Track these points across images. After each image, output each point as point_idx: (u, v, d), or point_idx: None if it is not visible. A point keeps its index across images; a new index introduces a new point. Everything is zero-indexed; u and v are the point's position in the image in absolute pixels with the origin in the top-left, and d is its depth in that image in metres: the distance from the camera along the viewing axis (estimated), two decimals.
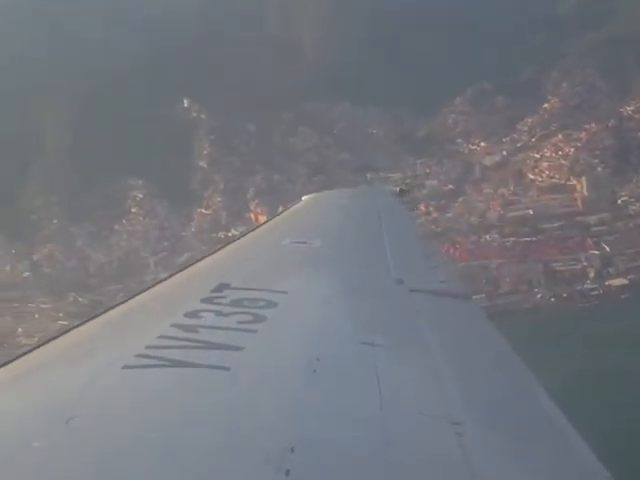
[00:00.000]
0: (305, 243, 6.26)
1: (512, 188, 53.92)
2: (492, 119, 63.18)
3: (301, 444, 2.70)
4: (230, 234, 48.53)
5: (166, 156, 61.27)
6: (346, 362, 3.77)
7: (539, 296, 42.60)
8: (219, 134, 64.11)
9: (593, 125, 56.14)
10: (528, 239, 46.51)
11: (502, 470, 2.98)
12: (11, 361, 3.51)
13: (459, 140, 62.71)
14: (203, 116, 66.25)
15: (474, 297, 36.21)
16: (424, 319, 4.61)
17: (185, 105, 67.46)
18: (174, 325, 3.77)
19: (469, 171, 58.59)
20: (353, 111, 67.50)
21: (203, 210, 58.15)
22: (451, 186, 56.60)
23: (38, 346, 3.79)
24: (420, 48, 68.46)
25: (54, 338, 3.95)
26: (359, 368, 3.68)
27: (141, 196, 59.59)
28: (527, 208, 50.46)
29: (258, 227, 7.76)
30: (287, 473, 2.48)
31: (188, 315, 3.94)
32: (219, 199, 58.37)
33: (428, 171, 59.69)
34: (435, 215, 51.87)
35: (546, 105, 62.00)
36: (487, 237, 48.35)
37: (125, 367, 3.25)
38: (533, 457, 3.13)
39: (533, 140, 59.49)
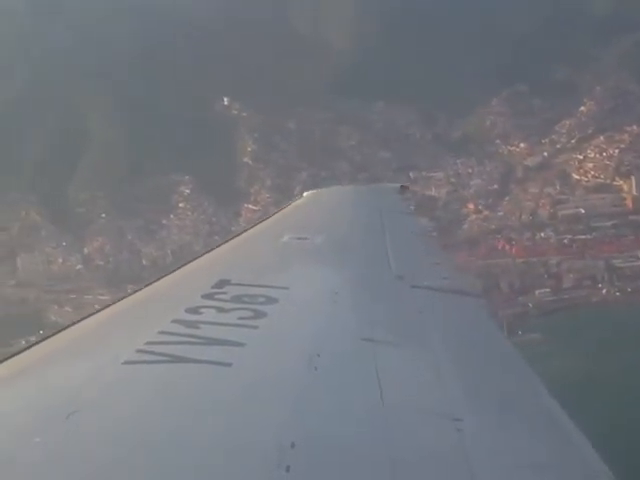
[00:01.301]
0: (306, 239, 6.27)
1: (558, 188, 55.07)
2: (529, 121, 64.36)
3: (302, 440, 2.71)
4: None
5: (210, 153, 61.97)
6: (347, 358, 3.77)
7: (604, 291, 43.81)
8: (261, 132, 64.93)
9: (635, 127, 57.55)
10: (583, 237, 47.72)
11: (502, 467, 2.98)
12: (12, 356, 3.52)
13: (498, 141, 63.87)
14: (244, 114, 67.04)
15: (539, 291, 37.46)
16: (425, 315, 4.60)
17: (225, 103, 68.24)
18: (175, 321, 3.78)
19: (511, 171, 59.67)
20: (388, 111, 68.54)
21: (251, 206, 58.83)
22: (496, 186, 57.64)
23: (39, 342, 3.78)
24: (453, 49, 69.69)
25: (55, 333, 3.94)
26: (360, 364, 3.67)
27: (188, 191, 60.20)
28: (577, 207, 51.65)
29: (259, 223, 7.66)
30: (287, 469, 2.49)
31: (189, 311, 3.95)
32: (267, 195, 59.09)
33: (470, 171, 60.74)
34: (486, 213, 52.92)
35: (582, 108, 63.29)
36: (542, 235, 49.47)
37: (126, 362, 3.27)
38: (534, 454, 3.12)
39: (572, 142, 60.72)
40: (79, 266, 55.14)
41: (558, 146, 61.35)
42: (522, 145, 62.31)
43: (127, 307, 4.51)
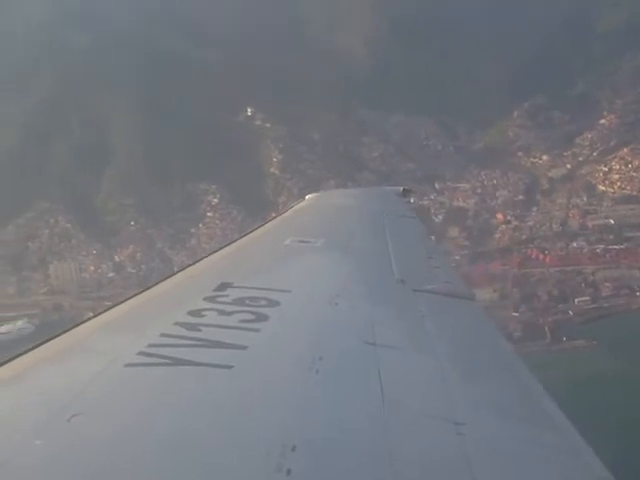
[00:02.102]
0: (308, 242, 6.25)
1: (585, 199, 55.97)
2: (550, 133, 65.45)
3: (303, 443, 2.72)
4: None
5: (236, 162, 62.55)
6: (348, 361, 3.78)
7: None
8: (286, 142, 65.56)
9: None
10: (617, 246, 48.55)
11: (504, 470, 2.99)
12: (14, 358, 3.53)
13: (520, 153, 64.77)
14: (268, 125, 67.67)
15: (578, 299, 38.04)
16: (426, 319, 4.60)
17: (248, 114, 68.85)
18: (177, 323, 3.79)
19: (536, 183, 60.54)
20: (408, 122, 69.34)
21: None
22: (522, 197, 58.45)
23: (41, 344, 3.79)
24: (472, 62, 70.71)
25: (57, 336, 3.93)
26: (361, 368, 3.68)
27: (216, 201, 60.63)
28: (607, 217, 52.52)
29: (261, 226, 7.55)
30: (288, 472, 2.51)
31: (191, 314, 3.96)
32: None
33: (495, 182, 61.52)
34: (516, 223, 53.64)
35: (603, 121, 64.40)
36: (574, 244, 50.25)
37: (128, 365, 3.29)
38: (535, 458, 3.14)
39: (595, 154, 61.78)
40: (111, 274, 55.36)
41: (580, 158, 62.34)
42: (544, 157, 63.22)
43: (129, 309, 4.49)
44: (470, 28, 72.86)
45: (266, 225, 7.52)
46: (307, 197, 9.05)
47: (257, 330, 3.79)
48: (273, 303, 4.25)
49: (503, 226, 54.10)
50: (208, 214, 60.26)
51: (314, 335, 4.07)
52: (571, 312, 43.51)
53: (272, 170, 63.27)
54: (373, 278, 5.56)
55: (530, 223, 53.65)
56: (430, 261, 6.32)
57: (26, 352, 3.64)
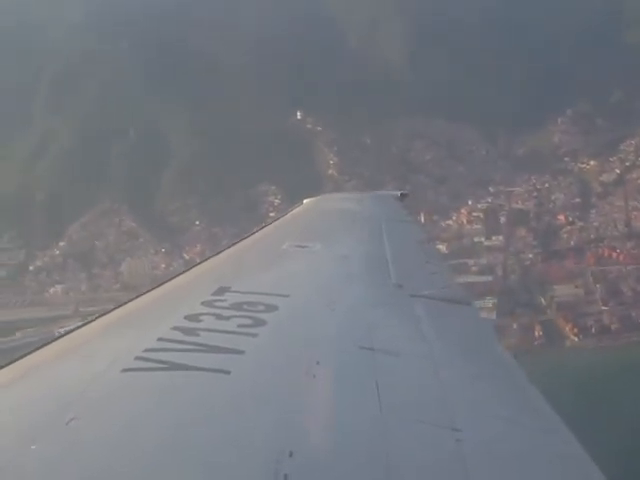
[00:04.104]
0: (306, 247, 6.27)
1: None
2: (594, 139, 67.46)
3: (300, 449, 2.72)
4: None
5: (293, 164, 63.49)
6: (345, 367, 3.77)
7: None
8: (339, 146, 66.72)
9: None
10: None
11: (501, 477, 2.99)
12: (13, 362, 3.54)
13: (566, 158, 66.65)
14: (319, 128, 68.79)
15: None
16: (423, 324, 4.58)
17: (298, 117, 69.92)
18: (174, 328, 3.79)
19: (588, 186, 62.35)
20: (450, 128, 70.87)
21: None
22: (578, 199, 60.14)
23: (38, 348, 3.79)
24: (512, 68, 72.55)
25: (54, 340, 3.94)
26: (358, 373, 3.68)
27: (278, 201, 61.42)
28: None
29: (259, 230, 7.53)
30: (285, 478, 2.51)
31: (188, 318, 3.95)
32: None
33: (547, 186, 63.20)
34: (581, 224, 55.29)
35: None
36: None
37: (125, 370, 3.28)
38: (532, 464, 3.14)
39: None
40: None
41: (627, 164, 64.35)
42: (592, 162, 65.09)
43: (126, 314, 4.49)
44: (511, 37, 74.72)
45: (264, 229, 7.48)
46: (305, 201, 8.95)
47: (255, 335, 3.78)
48: (271, 308, 4.24)
49: (568, 227, 55.64)
50: (271, 214, 60.86)
51: (312, 340, 4.04)
52: None
53: (330, 172, 64.32)
54: (371, 283, 5.54)
55: (596, 224, 55.25)
56: (428, 266, 6.31)
57: (24, 356, 3.64)
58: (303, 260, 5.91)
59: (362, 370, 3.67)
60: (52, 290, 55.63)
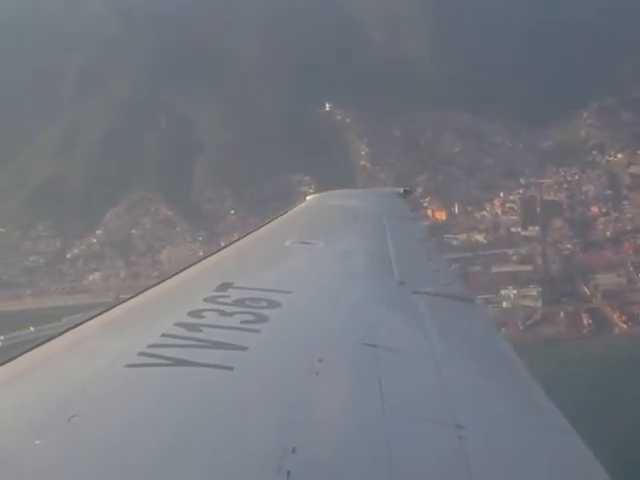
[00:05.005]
0: (308, 243, 6.22)
1: None
2: (621, 133, 68.15)
3: (303, 445, 2.73)
4: None
5: (325, 155, 63.92)
6: (348, 363, 3.79)
7: None
8: (370, 137, 67.18)
9: None
10: None
11: (504, 474, 3.01)
12: (14, 358, 3.53)
13: (594, 152, 67.27)
14: (348, 120, 69.24)
15: None
16: (426, 321, 4.58)
17: (327, 109, 70.34)
18: (177, 324, 3.78)
19: (617, 178, 63.02)
20: (475, 121, 71.36)
21: None
22: (609, 191, 60.81)
23: (41, 343, 3.77)
24: (533, 64, 73.19)
25: (57, 335, 3.92)
26: (361, 369, 3.69)
27: (312, 191, 61.53)
28: None
29: (261, 227, 7.43)
30: (288, 474, 2.52)
31: (191, 314, 3.95)
32: None
33: (577, 178, 63.84)
34: (616, 215, 55.95)
35: None
36: None
37: (128, 366, 3.29)
38: (535, 461, 3.15)
39: None
40: None
41: None
42: (619, 155, 65.74)
43: (129, 310, 4.49)
44: (537, 33, 75.27)
45: (267, 226, 7.38)
46: (308, 198, 9.00)
47: (257, 331, 3.77)
48: (273, 304, 4.24)
49: (602, 218, 56.28)
50: None
51: (314, 336, 4.06)
52: None
53: (362, 163, 64.78)
54: (373, 280, 5.57)
55: (629, 215, 55.91)
56: (430, 263, 6.30)
57: (26, 352, 3.63)
58: (306, 257, 5.88)
59: (365, 367, 3.67)
60: (91, 277, 55.91)
